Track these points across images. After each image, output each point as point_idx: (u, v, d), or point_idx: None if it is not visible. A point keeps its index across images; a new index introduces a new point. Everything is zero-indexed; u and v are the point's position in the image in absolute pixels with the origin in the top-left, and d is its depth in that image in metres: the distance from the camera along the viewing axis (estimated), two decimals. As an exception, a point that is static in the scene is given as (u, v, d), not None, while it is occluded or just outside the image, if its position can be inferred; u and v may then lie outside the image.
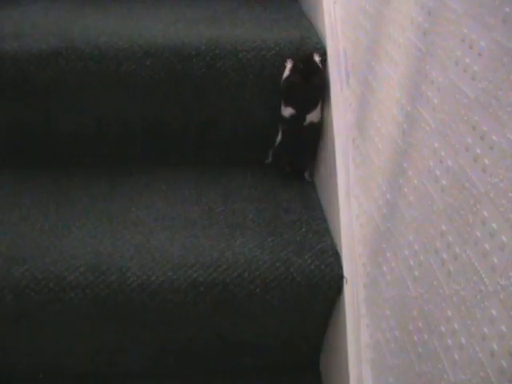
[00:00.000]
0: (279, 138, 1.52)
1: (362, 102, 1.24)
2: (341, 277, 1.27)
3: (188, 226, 1.38)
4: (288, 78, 1.44)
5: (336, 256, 1.30)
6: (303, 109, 1.45)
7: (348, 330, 1.24)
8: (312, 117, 1.46)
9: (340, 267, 1.28)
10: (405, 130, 1.00)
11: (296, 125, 1.47)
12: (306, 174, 1.56)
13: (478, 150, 0.76)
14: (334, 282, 1.28)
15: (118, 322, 1.32)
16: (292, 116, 1.46)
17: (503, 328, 0.70)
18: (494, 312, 0.72)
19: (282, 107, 1.47)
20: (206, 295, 1.25)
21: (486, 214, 0.73)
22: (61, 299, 1.24)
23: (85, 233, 1.34)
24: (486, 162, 0.74)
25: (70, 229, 1.36)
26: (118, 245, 1.31)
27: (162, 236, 1.34)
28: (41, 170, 1.55)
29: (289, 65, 1.43)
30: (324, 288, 1.28)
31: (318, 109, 1.46)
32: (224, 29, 1.51)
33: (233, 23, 1.56)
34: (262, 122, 1.54)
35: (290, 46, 1.45)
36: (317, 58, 1.42)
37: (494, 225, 0.71)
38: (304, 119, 1.46)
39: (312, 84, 1.44)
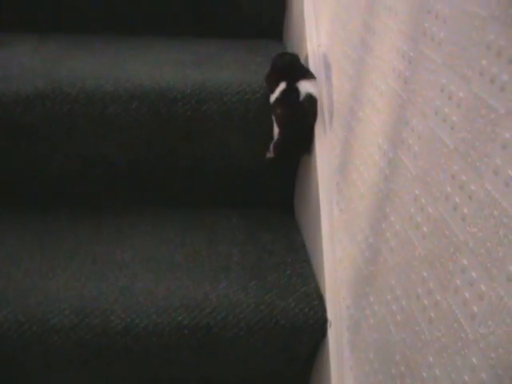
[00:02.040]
0: (276, 130, 1.42)
1: (345, 146, 1.26)
2: (325, 320, 1.28)
3: (173, 268, 1.38)
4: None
5: (320, 299, 1.31)
6: (294, 79, 1.39)
7: (332, 373, 1.24)
8: (306, 87, 1.39)
9: (324, 310, 1.29)
10: (387, 175, 1.01)
11: (291, 102, 1.39)
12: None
13: (457, 199, 0.77)
14: (318, 325, 1.28)
15: (102, 365, 1.31)
16: (284, 92, 1.39)
17: (483, 376, 0.70)
18: (474, 360, 0.72)
19: (271, 94, 1.42)
20: (190, 338, 1.25)
21: (465, 262, 0.74)
22: (44, 342, 1.24)
23: (69, 274, 1.34)
24: (465, 211, 0.75)
25: (55, 270, 1.35)
26: (103, 287, 1.31)
27: (146, 278, 1.34)
28: (26, 209, 1.56)
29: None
30: (308, 331, 1.28)
31: (312, 81, 1.41)
32: (210, 72, 1.53)
33: (218, 66, 1.58)
34: (247, 164, 1.56)
35: (274, 89, 1.46)
36: None
37: (474, 274, 0.72)
38: (298, 92, 1.38)
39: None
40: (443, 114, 0.82)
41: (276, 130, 1.42)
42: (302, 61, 1.48)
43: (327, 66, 1.42)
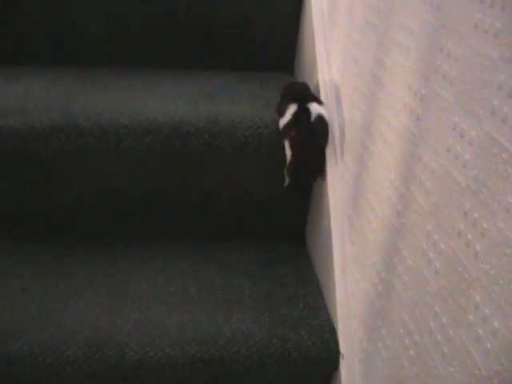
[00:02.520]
0: (288, 154, 1.40)
1: (357, 180, 1.27)
2: (337, 352, 1.28)
3: (186, 300, 1.39)
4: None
5: (332, 332, 1.31)
6: (305, 101, 1.40)
7: (345, 406, 1.25)
8: (317, 108, 1.39)
9: (336, 343, 1.29)
10: (399, 210, 1.02)
11: (303, 124, 1.39)
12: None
13: (469, 236, 0.78)
14: (331, 358, 1.28)
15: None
16: (296, 113, 1.40)
17: (497, 412, 0.71)
18: (487, 396, 0.73)
19: (281, 118, 1.44)
20: (203, 371, 1.26)
21: (478, 299, 0.75)
22: (58, 374, 1.24)
23: (83, 307, 1.35)
24: (478, 248, 0.76)
25: (69, 302, 1.36)
26: (116, 320, 1.32)
27: (159, 311, 1.35)
28: (40, 242, 1.57)
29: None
30: (320, 364, 1.29)
31: (323, 105, 1.42)
32: (222, 105, 1.55)
33: (231, 99, 1.60)
34: (260, 196, 1.57)
35: (286, 123, 1.48)
36: None
37: (487, 310, 0.73)
38: (309, 113, 1.38)
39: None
40: (455, 151, 0.83)
41: (289, 153, 1.40)
42: (313, 92, 1.50)
43: (338, 100, 1.43)
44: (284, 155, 1.41)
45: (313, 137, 1.40)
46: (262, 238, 1.63)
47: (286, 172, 1.44)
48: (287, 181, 1.45)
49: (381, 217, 1.11)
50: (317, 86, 1.55)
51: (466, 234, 0.79)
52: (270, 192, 1.55)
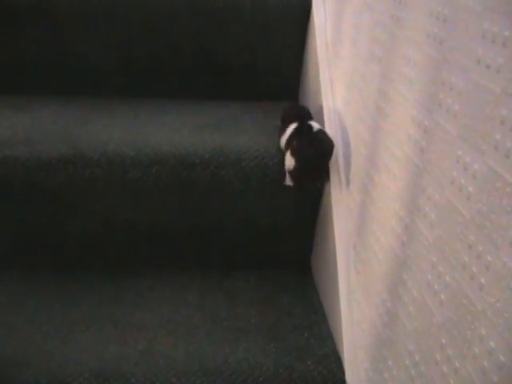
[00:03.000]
0: (291, 161, 1.39)
1: (362, 209, 1.27)
2: (343, 382, 1.28)
3: (191, 331, 1.39)
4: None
5: (338, 361, 1.31)
6: (305, 119, 1.45)
7: None
8: (318, 125, 1.42)
9: (342, 372, 1.29)
10: (404, 241, 1.03)
11: (304, 133, 1.42)
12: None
13: (474, 269, 0.78)
14: (337, 388, 1.29)
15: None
16: (297, 129, 1.43)
17: None
18: (493, 429, 0.73)
19: (282, 136, 1.47)
20: (209, 402, 1.26)
21: (483, 331, 0.75)
22: (64, 405, 1.25)
23: (89, 337, 1.36)
24: (483, 281, 0.76)
25: (75, 333, 1.37)
26: (123, 350, 1.32)
27: (165, 341, 1.35)
28: (47, 271, 1.58)
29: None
30: (327, 394, 1.29)
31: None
32: (228, 136, 1.56)
33: (236, 130, 1.61)
34: (265, 225, 1.57)
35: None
36: None
37: (492, 343, 0.73)
38: (311, 127, 1.41)
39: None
40: (459, 184, 0.83)
41: (291, 162, 1.40)
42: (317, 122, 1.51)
43: (343, 130, 1.44)
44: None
45: (316, 143, 1.40)
46: (268, 267, 1.63)
47: (288, 176, 1.44)
48: (290, 182, 1.45)
49: (386, 247, 1.12)
50: (321, 116, 1.56)
51: (471, 267, 0.79)
52: (274, 221, 1.56)
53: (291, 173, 1.42)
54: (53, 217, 1.53)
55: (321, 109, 1.57)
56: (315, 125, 1.42)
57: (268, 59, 1.87)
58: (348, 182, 1.40)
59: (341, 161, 1.44)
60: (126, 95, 1.88)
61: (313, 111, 1.56)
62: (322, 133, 1.41)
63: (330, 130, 1.50)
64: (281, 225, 1.57)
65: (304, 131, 1.42)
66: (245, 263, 1.63)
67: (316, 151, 1.40)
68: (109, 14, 1.75)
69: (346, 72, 1.45)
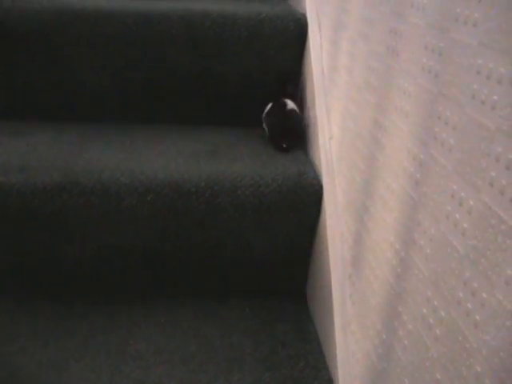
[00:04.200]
0: (268, 107, 1.81)
1: (358, 240, 1.27)
2: (338, 413, 1.28)
3: (186, 360, 1.38)
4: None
5: (333, 392, 1.31)
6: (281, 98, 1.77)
7: None
8: (290, 104, 1.75)
9: (337, 403, 1.29)
10: (399, 274, 1.02)
11: (276, 110, 1.77)
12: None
13: (469, 305, 0.78)
14: (331, 419, 1.28)
15: None
16: (272, 106, 1.79)
17: None
18: None
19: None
20: None
21: (479, 369, 0.75)
22: None
23: (83, 366, 1.35)
24: (478, 318, 0.75)
25: (68, 361, 1.36)
26: (116, 379, 1.31)
27: (160, 370, 1.35)
28: (41, 299, 1.57)
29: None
30: (321, 425, 1.28)
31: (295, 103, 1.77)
32: (223, 164, 1.56)
33: (232, 158, 1.61)
34: (261, 254, 1.57)
35: (287, 182, 1.49)
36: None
37: (487, 381, 0.73)
38: (285, 104, 1.75)
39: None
40: (454, 219, 0.83)
41: (266, 131, 1.82)
42: (314, 154, 1.53)
43: (339, 158, 1.44)
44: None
45: (283, 119, 1.77)
46: (263, 295, 1.63)
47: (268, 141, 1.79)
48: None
49: (381, 278, 1.12)
50: (317, 144, 1.56)
51: (466, 303, 0.79)
52: (270, 249, 1.56)
53: (268, 138, 1.79)
54: (46, 243, 1.53)
55: (317, 137, 1.57)
56: (290, 104, 1.75)
57: (265, 86, 1.87)
58: (343, 211, 1.39)
59: (337, 189, 1.44)
60: (123, 120, 1.88)
61: (310, 139, 1.57)
62: (291, 111, 1.75)
63: (325, 157, 1.50)
64: (276, 253, 1.57)
65: (276, 109, 1.77)
66: (240, 291, 1.62)
67: (282, 124, 1.77)
68: (106, 39, 1.76)
69: (341, 100, 1.45)
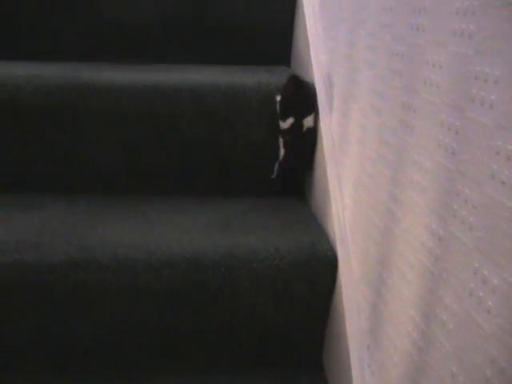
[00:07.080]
0: (282, 152, 1.82)
1: (375, 311, 1.27)
2: None
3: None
4: (284, 89, 1.76)
5: None
6: (300, 116, 1.75)
7: None
8: (308, 122, 1.75)
9: None
10: (421, 347, 1.02)
11: (296, 132, 1.76)
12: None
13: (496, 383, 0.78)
14: None
15: None
16: (292, 125, 1.74)
17: None
18: None
19: (281, 122, 1.77)
20: None
21: None
22: None
23: None
24: None
25: None
26: None
27: None
28: (54, 377, 1.56)
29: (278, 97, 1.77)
30: None
31: (312, 115, 1.76)
32: (237, 236, 1.57)
33: (245, 230, 1.62)
34: (276, 326, 1.57)
35: (301, 254, 1.50)
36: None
37: None
38: (302, 126, 1.75)
39: (304, 93, 1.76)
40: (478, 297, 0.83)
41: (282, 151, 1.82)
42: (327, 223, 1.54)
43: (353, 229, 1.45)
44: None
45: (302, 143, 1.79)
46: (279, 366, 1.62)
47: (276, 167, 1.85)
48: (275, 173, 1.86)
49: (401, 350, 1.12)
50: (331, 214, 1.57)
51: (493, 382, 0.79)
52: (286, 321, 1.56)
53: (279, 162, 1.84)
54: (59, 319, 1.53)
55: (330, 206, 1.59)
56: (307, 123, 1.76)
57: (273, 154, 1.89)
58: (359, 282, 1.40)
59: (352, 259, 1.45)
60: (135, 192, 1.89)
61: (322, 207, 1.58)
62: (311, 132, 1.78)
63: (339, 227, 1.51)
64: (292, 325, 1.57)
65: (296, 130, 1.76)
66: (256, 363, 1.62)
67: (302, 149, 1.81)
68: (118, 115, 1.78)
69: (353, 171, 1.47)
